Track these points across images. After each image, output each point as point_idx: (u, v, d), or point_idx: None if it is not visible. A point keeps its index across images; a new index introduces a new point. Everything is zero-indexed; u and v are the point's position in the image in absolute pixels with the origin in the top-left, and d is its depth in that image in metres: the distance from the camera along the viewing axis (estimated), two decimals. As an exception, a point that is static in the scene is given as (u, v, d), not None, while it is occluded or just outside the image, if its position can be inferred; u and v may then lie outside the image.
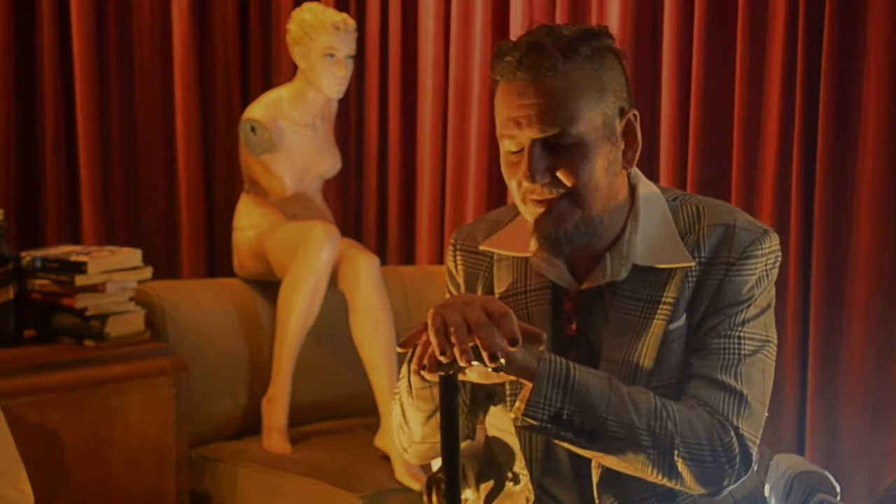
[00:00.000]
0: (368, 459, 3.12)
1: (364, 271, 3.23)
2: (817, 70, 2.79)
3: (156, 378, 3.05)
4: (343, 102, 3.63)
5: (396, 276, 3.51)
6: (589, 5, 3.33)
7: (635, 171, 1.74)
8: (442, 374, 1.49)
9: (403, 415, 1.75)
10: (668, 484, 1.61)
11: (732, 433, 1.61)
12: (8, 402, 2.64)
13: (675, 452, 1.58)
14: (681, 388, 1.65)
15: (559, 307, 1.72)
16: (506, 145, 1.65)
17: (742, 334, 1.66)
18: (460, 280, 1.83)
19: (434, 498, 1.88)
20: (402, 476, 3.04)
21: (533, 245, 1.72)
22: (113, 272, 3.09)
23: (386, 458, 3.11)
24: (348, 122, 4.00)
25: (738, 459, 1.61)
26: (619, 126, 1.66)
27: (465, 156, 3.69)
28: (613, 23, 3.18)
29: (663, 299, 1.66)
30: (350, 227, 3.98)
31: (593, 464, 1.67)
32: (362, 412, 3.39)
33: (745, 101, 2.94)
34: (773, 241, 1.69)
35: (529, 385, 1.55)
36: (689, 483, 1.60)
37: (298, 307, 3.21)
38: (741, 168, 2.95)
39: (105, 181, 3.91)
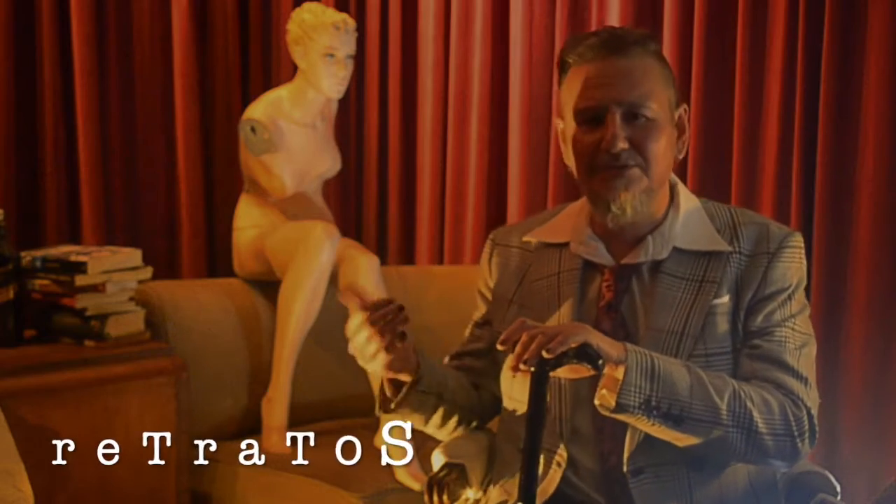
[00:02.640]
0: (368, 459, 3.12)
1: (364, 271, 3.23)
2: (817, 70, 2.79)
3: (156, 378, 3.05)
4: (343, 102, 3.63)
5: (396, 276, 3.50)
6: (589, 5, 3.33)
7: (673, 175, 1.88)
8: (534, 369, 1.59)
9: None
10: (746, 460, 1.75)
11: (804, 410, 1.75)
12: (8, 402, 2.63)
13: (754, 429, 1.70)
14: (723, 358, 1.77)
15: (588, 286, 1.84)
16: (579, 121, 1.78)
17: (795, 327, 1.80)
18: (494, 269, 1.97)
19: (434, 498, 1.88)
20: (402, 476, 3.04)
21: (573, 225, 1.88)
22: (113, 272, 3.09)
23: (386, 458, 3.12)
24: (348, 122, 4.00)
25: (807, 434, 1.74)
26: (675, 115, 1.83)
27: (465, 156, 3.69)
28: (613, 23, 3.19)
29: (706, 278, 1.80)
30: (350, 227, 3.98)
31: (629, 431, 1.75)
32: (362, 412, 3.38)
33: (745, 102, 2.94)
34: (800, 239, 1.85)
35: (614, 375, 1.66)
36: (768, 457, 1.73)
37: (298, 307, 3.21)
38: (741, 168, 2.95)
39: (105, 181, 3.90)
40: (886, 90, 2.71)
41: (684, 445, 1.71)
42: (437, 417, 1.89)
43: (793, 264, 1.81)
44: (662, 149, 1.78)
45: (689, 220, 1.84)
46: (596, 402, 1.68)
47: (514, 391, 1.86)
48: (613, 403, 1.65)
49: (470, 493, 1.86)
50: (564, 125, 1.84)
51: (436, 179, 3.81)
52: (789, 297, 1.80)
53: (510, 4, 3.54)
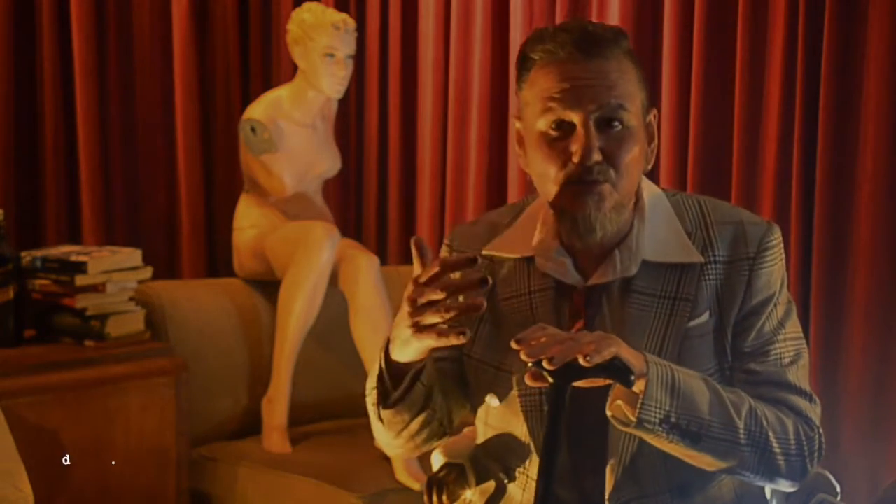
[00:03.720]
0: (368, 459, 3.12)
1: (364, 271, 3.23)
2: (817, 70, 2.79)
3: (156, 378, 3.05)
4: (343, 102, 3.63)
5: (396, 276, 3.50)
6: (589, 5, 3.33)
7: None
8: (553, 381, 1.47)
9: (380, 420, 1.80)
10: (754, 479, 1.66)
11: (815, 430, 1.68)
12: (8, 402, 2.64)
13: (769, 449, 1.62)
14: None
15: (563, 306, 1.71)
16: (546, 125, 1.64)
17: (787, 336, 1.70)
18: None
19: (434, 498, 1.88)
20: (402, 476, 3.04)
21: (538, 237, 1.72)
22: (113, 272, 3.09)
23: (386, 459, 3.11)
24: (348, 122, 4.00)
25: (816, 452, 1.68)
26: (646, 120, 1.69)
27: (465, 156, 3.69)
28: (613, 23, 3.18)
29: (679, 296, 1.67)
30: (350, 227, 3.98)
31: (610, 463, 1.66)
32: (362, 412, 3.34)
33: (745, 101, 2.94)
34: (778, 233, 1.73)
35: (633, 389, 1.54)
36: (778, 476, 1.65)
37: (298, 307, 3.21)
38: (741, 168, 2.95)
39: (105, 181, 3.91)
40: (886, 90, 2.70)
41: (698, 464, 1.62)
42: (421, 418, 1.74)
43: (775, 266, 1.69)
44: (635, 159, 1.64)
45: (656, 226, 1.70)
46: (608, 413, 1.57)
47: (490, 418, 1.78)
48: (634, 418, 1.53)
49: (469, 494, 1.86)
50: (524, 126, 1.70)
51: (436, 179, 3.81)
52: (776, 304, 1.69)
53: (510, 4, 3.54)
